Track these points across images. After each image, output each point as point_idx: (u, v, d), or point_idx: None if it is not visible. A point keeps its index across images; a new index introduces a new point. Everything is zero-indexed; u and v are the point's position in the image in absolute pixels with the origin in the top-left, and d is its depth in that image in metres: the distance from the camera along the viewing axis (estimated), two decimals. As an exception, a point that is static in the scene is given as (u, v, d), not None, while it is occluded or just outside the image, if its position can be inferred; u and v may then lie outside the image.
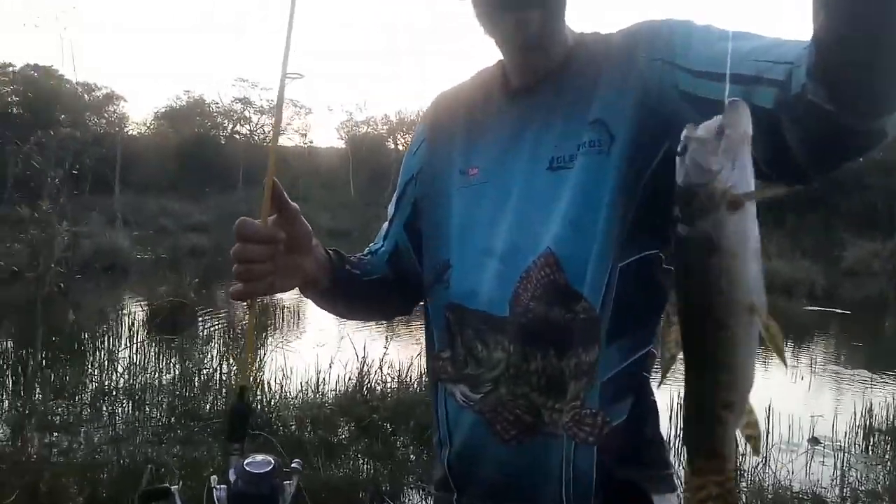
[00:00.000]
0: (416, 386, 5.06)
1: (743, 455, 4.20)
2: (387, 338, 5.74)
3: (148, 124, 42.80)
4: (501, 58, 1.06)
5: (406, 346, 6.17)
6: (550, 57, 1.00)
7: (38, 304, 4.78)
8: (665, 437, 1.06)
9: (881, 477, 4.25)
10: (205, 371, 5.56)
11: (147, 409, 4.89)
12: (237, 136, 41.01)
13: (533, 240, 0.95)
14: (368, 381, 5.11)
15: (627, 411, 0.96)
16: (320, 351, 5.55)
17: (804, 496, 3.82)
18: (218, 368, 5.64)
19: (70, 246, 5.88)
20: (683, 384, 0.67)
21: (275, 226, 0.94)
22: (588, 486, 0.94)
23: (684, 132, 0.64)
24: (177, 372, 5.60)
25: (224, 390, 5.07)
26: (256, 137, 40.44)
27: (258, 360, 5.83)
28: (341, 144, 42.74)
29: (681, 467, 3.98)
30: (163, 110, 42.39)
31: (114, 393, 5.18)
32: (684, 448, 0.69)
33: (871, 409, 5.15)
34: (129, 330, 7.27)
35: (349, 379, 5.17)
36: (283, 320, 8.18)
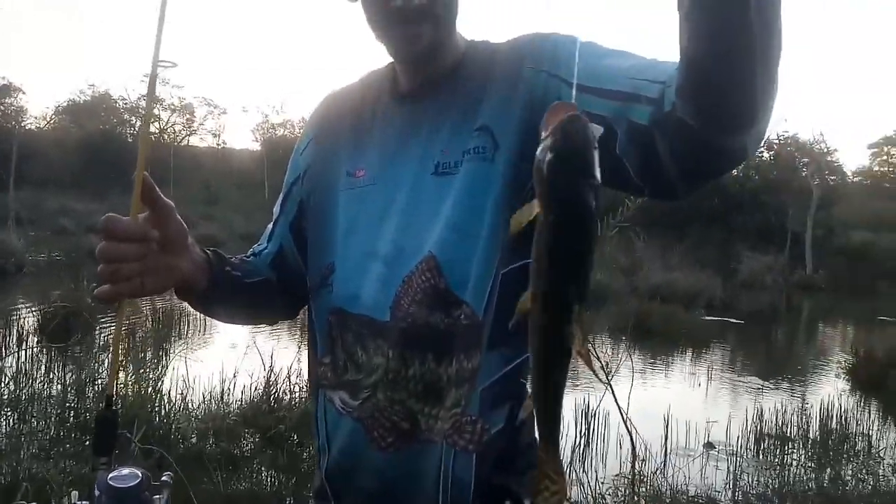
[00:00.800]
0: (324, 395, 4.95)
1: (642, 461, 4.35)
2: (298, 346, 5.62)
3: (48, 118, 40.55)
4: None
5: (316, 354, 6.03)
6: (440, 63, 1.01)
7: None
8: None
9: (771, 480, 4.47)
10: (99, 381, 5.26)
11: (34, 421, 4.58)
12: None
13: (416, 244, 0.95)
14: (276, 391, 4.97)
15: (505, 418, 0.96)
16: (226, 359, 5.36)
17: (699, 499, 3.97)
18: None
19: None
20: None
21: (146, 223, 0.88)
22: (466, 493, 0.94)
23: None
24: (68, 382, 5.28)
25: (121, 402, 4.81)
26: (166, 136, 39.01)
27: (159, 369, 5.58)
28: (257, 147, 41.82)
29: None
30: (65, 104, 40.28)
31: (-3, 404, 4.83)
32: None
33: (762, 415, 5.44)
34: (18, 336, 6.82)
35: (255, 388, 5.01)
36: (187, 327, 7.88)
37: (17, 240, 12.85)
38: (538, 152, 0.63)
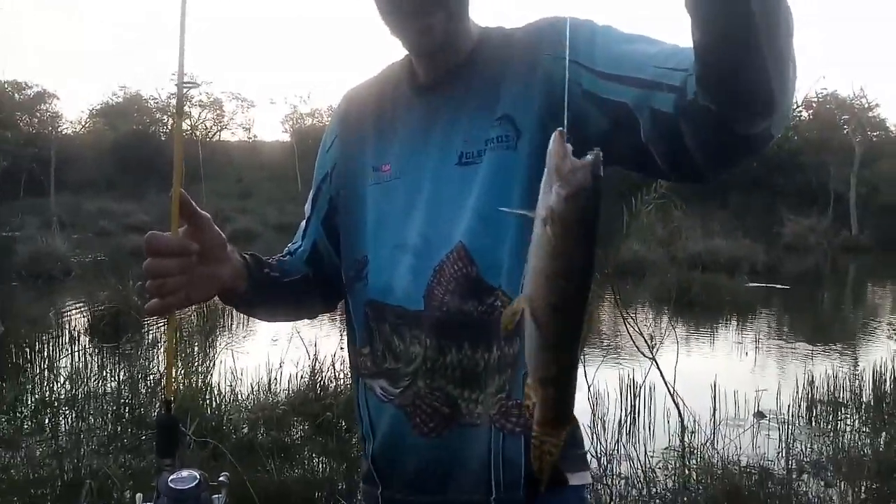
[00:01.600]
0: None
1: (692, 433, 4.31)
2: (340, 334, 5.68)
3: (83, 122, 41.39)
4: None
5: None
6: (455, 53, 1.01)
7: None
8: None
9: (825, 447, 4.40)
10: (151, 377, 5.40)
11: (91, 418, 4.72)
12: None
13: (445, 234, 0.97)
14: (321, 379, 5.05)
15: None
16: (271, 350, 5.45)
17: (752, 470, 3.92)
18: (164, 374, 5.48)
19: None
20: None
21: (186, 237, 0.92)
22: (517, 474, 0.96)
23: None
24: (122, 379, 5.42)
25: (174, 396, 4.93)
26: (198, 133, 39.53)
27: (209, 362, 5.70)
28: (286, 138, 42.15)
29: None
30: (98, 107, 41.05)
31: (56, 404, 4.99)
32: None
33: (812, 381, 5.34)
34: (71, 337, 7.03)
35: (301, 377, 5.09)
36: (231, 321, 8.03)
37: (62, 244, 13.20)
38: (551, 197, 0.64)
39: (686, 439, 4.03)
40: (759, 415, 5.01)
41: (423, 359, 0.97)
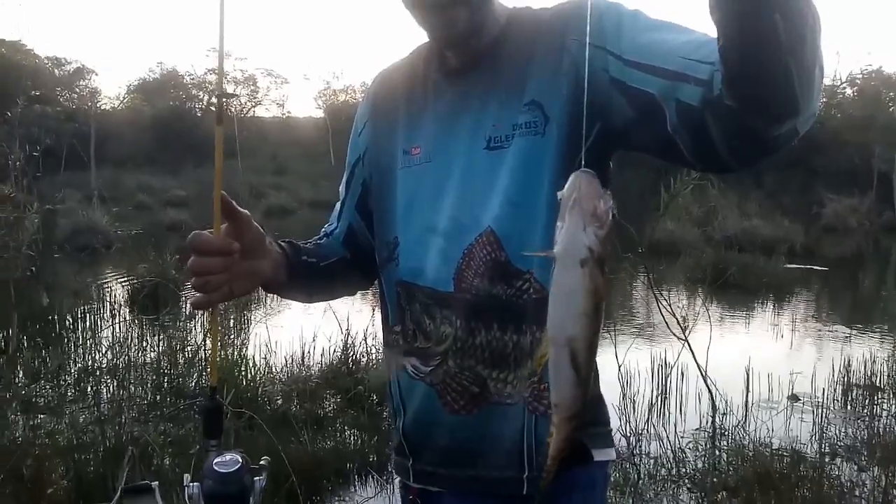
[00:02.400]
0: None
1: (723, 415, 4.28)
2: (372, 309, 5.74)
3: (121, 98, 42.01)
4: None
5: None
6: (483, 38, 1.02)
7: (11, 288, 4.71)
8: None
9: (859, 431, 4.34)
10: (189, 348, 5.54)
11: (132, 387, 4.86)
12: (213, 108, 40.39)
13: (474, 218, 0.99)
14: (353, 353, 5.12)
15: None
16: (304, 325, 5.53)
17: (784, 452, 3.89)
18: (202, 345, 5.62)
19: (41, 227, 5.76)
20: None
21: (227, 234, 0.95)
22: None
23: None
24: (161, 350, 5.57)
25: (209, 367, 5.06)
26: (233, 108, 39.86)
27: (244, 335, 5.82)
28: (320, 114, 42.30)
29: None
30: (136, 83, 41.62)
31: (98, 373, 5.15)
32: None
33: (849, 364, 5.25)
34: (111, 308, 7.22)
35: (334, 351, 5.18)
36: (265, 295, 8.16)
37: (102, 217, 13.50)
38: (589, 238, 0.65)
39: (717, 420, 4.01)
40: (794, 397, 4.95)
41: (454, 339, 1.00)
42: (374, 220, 1.13)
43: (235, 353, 4.98)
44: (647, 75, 0.87)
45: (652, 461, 3.73)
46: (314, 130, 39.57)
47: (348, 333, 5.22)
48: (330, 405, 4.58)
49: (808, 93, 0.73)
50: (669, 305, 3.56)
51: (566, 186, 0.66)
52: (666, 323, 3.57)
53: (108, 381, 5.01)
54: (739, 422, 4.33)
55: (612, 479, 3.44)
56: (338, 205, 1.22)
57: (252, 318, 6.93)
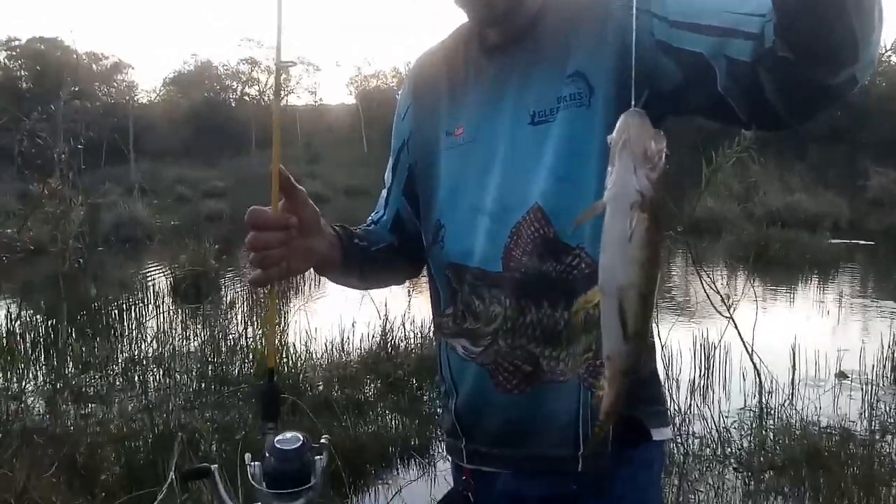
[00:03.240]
0: (439, 341, 5.08)
1: (769, 393, 4.20)
2: (409, 293, 5.76)
3: (157, 91, 42.66)
4: None
5: (427, 302, 6.15)
6: (522, 14, 1.00)
7: (60, 280, 4.83)
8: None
9: (910, 408, 4.22)
10: (231, 336, 5.64)
11: (177, 376, 4.97)
12: (247, 98, 40.77)
13: (521, 196, 0.97)
14: (392, 338, 5.16)
15: None
16: (343, 310, 5.58)
17: (832, 430, 3.81)
18: (244, 333, 5.71)
19: (86, 220, 5.90)
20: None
21: (284, 211, 0.95)
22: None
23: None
24: (204, 338, 5.68)
25: (251, 355, 5.14)
26: (266, 98, 40.21)
27: (283, 323, 5.90)
28: (352, 100, 42.41)
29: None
30: (171, 76, 42.21)
31: (144, 362, 5.27)
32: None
33: (898, 341, 5.10)
34: (155, 299, 7.38)
35: (373, 337, 5.22)
36: (304, 283, 8.25)
37: (143, 209, 13.78)
38: (641, 181, 0.62)
39: (763, 399, 3.94)
40: (841, 375, 4.83)
41: (504, 318, 0.99)
42: (420, 204, 1.13)
43: (277, 339, 5.06)
44: (693, 34, 0.85)
45: (697, 441, 3.69)
46: (346, 117, 39.69)
47: (386, 319, 5.25)
48: (370, 390, 4.62)
49: (867, 35, 0.71)
50: (714, 283, 3.49)
51: (616, 128, 0.63)
52: (710, 300, 3.49)
53: (155, 369, 5.13)
54: (786, 400, 4.24)
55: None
56: (384, 192, 1.21)
57: (292, 304, 7.01)
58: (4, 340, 5.42)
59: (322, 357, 5.09)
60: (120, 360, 5.38)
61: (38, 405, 4.32)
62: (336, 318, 5.50)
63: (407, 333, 5.23)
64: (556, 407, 0.98)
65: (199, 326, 6.21)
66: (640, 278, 0.63)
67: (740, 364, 4.45)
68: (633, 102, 0.66)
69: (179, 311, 6.86)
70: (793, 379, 4.62)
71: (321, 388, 4.55)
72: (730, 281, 7.77)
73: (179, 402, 4.38)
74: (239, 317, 6.49)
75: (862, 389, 4.53)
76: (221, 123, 33.83)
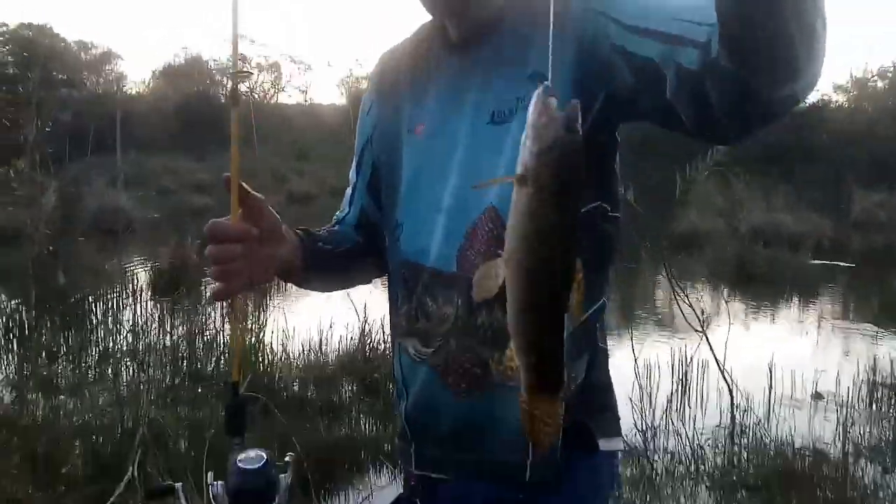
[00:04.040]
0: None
1: (744, 412, 4.20)
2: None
3: (146, 83, 42.36)
4: None
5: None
6: (484, 8, 0.99)
7: (30, 266, 4.74)
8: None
9: (885, 432, 4.24)
10: (208, 333, 5.57)
11: (151, 370, 4.91)
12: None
13: (478, 195, 0.96)
14: (370, 341, 5.12)
15: (585, 368, 1.00)
16: (322, 311, 5.53)
17: (806, 451, 3.81)
18: (221, 330, 5.64)
19: (58, 206, 5.79)
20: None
21: (244, 220, 0.93)
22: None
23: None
24: (181, 334, 5.61)
25: (227, 352, 5.08)
26: (256, 94, 40.08)
27: (261, 320, 5.84)
28: (343, 101, 42.31)
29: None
30: (161, 68, 41.90)
31: (118, 355, 5.20)
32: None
33: (875, 364, 5.13)
34: (133, 291, 7.28)
35: (351, 338, 5.17)
36: (283, 281, 8.18)
37: (126, 200, 13.63)
38: (525, 153, 0.63)
39: (738, 417, 3.94)
40: (818, 396, 4.85)
41: (455, 319, 0.98)
42: (381, 201, 1.12)
43: (253, 338, 4.99)
44: (647, 40, 0.85)
45: (669, 457, 3.68)
46: (337, 117, 39.56)
47: (365, 321, 5.21)
48: (346, 392, 4.58)
49: (809, 51, 0.70)
50: (687, 297, 3.49)
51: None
52: (685, 317, 3.49)
53: (128, 363, 5.06)
54: (761, 419, 4.24)
55: (626, 474, 3.39)
56: (348, 189, 1.21)
57: (270, 304, 6.95)
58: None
59: (299, 357, 5.04)
60: (93, 352, 5.29)
61: (4, 394, 4.24)
62: (315, 318, 5.45)
63: (385, 335, 5.18)
64: (505, 412, 0.96)
65: (175, 321, 6.13)
66: (521, 251, 0.63)
67: (717, 382, 4.45)
68: (549, 80, 0.66)
69: (157, 305, 6.77)
70: (769, 398, 4.63)
71: (296, 388, 4.50)
72: (711, 297, 7.80)
73: (151, 396, 4.31)
74: (217, 314, 6.42)
75: (837, 411, 4.54)
76: (210, 118, 33.60)
